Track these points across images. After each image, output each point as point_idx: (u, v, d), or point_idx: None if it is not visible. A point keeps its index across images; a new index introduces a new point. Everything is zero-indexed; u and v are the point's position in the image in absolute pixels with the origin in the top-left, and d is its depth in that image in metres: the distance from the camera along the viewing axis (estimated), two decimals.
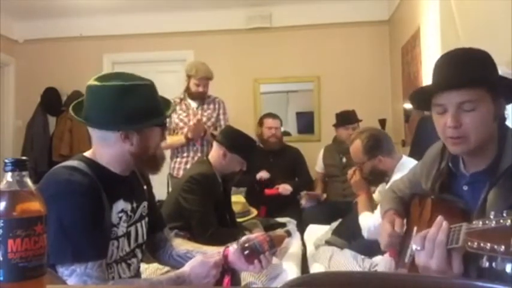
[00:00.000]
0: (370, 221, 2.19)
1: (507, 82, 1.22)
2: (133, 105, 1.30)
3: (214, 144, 2.60)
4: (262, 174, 3.73)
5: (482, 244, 0.89)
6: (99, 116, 1.31)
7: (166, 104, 1.45)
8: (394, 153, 2.35)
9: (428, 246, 1.07)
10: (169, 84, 4.39)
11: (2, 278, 0.73)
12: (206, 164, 2.53)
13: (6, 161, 0.76)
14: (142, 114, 1.32)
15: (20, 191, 0.75)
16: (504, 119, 1.24)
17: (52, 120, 5.06)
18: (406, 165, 2.21)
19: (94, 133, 1.35)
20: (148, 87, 1.35)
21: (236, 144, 2.50)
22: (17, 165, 0.76)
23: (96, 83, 1.31)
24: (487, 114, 1.16)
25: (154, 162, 1.43)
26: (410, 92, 1.32)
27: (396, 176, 2.14)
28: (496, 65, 1.22)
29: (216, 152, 2.53)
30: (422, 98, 1.28)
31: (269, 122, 3.94)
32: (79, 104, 1.37)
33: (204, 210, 2.39)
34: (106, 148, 1.35)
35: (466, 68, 1.17)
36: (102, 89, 1.30)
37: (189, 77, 3.39)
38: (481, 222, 0.92)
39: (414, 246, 1.12)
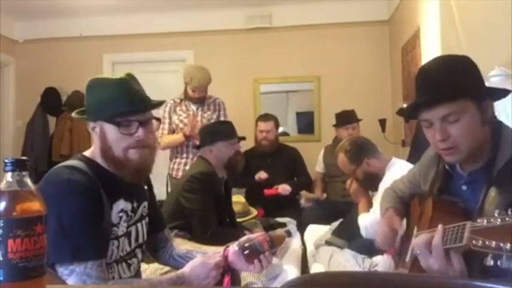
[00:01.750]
0: (366, 220, 2.25)
1: (488, 88, 1.22)
2: (96, 98, 1.35)
3: (199, 152, 2.72)
4: (261, 175, 3.72)
5: (487, 242, 0.88)
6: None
7: (142, 104, 1.36)
8: (380, 154, 2.43)
9: (422, 250, 1.08)
10: (169, 84, 4.42)
11: (2, 278, 0.73)
12: (206, 162, 2.56)
13: (6, 161, 0.76)
14: (98, 107, 1.34)
15: (20, 191, 0.75)
16: (494, 117, 1.24)
17: (52, 120, 5.05)
18: (396, 165, 2.27)
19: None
20: (117, 84, 1.34)
21: (208, 135, 2.62)
22: (17, 165, 0.76)
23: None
24: (473, 121, 1.17)
25: (120, 165, 1.33)
26: (399, 108, 1.35)
27: (387, 176, 2.19)
28: (477, 69, 1.22)
29: (206, 155, 2.60)
30: (409, 114, 1.32)
31: (261, 125, 3.90)
32: None
33: (205, 210, 2.40)
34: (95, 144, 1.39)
35: (444, 81, 1.18)
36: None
37: (186, 83, 3.37)
38: (485, 221, 0.92)
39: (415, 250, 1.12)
